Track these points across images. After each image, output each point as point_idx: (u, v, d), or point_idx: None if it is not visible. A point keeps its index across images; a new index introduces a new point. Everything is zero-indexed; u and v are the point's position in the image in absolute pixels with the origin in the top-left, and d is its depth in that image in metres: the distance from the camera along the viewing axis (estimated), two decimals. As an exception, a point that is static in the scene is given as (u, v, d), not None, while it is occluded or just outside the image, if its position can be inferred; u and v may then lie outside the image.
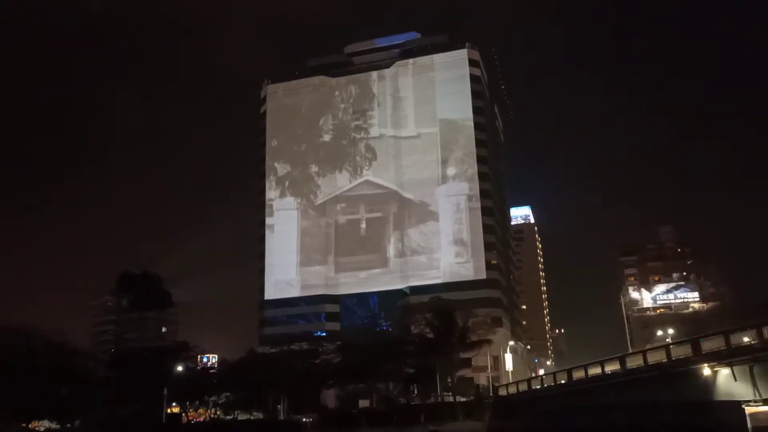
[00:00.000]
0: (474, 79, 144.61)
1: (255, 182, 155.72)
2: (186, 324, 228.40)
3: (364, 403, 75.43)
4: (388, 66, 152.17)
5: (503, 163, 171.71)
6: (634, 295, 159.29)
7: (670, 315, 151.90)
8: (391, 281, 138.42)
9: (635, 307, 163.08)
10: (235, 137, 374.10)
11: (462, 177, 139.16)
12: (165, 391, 62.22)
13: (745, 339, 39.90)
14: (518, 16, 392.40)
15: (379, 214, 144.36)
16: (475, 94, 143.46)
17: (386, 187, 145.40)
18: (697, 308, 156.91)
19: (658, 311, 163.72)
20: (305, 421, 70.26)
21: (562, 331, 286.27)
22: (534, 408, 67.20)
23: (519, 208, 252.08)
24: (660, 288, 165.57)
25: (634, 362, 49.87)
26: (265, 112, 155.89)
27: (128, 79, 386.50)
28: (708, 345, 42.72)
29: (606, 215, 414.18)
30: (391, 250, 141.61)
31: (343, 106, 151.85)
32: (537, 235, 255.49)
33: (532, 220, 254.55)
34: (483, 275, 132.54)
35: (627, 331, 55.16)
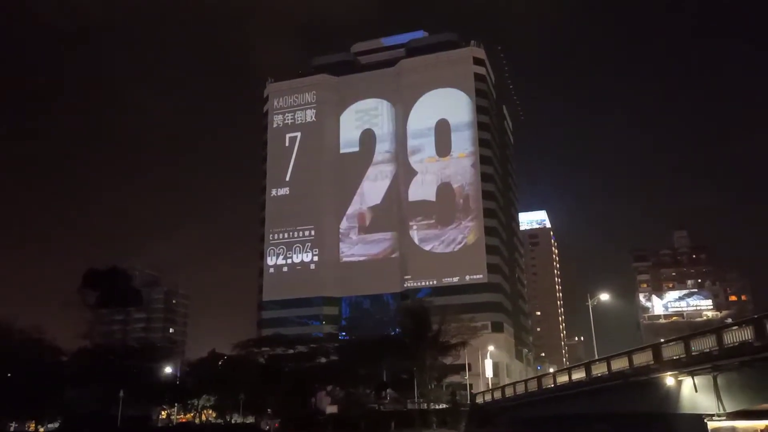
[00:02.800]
0: (478, 77, 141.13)
1: (257, 181, 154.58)
2: (197, 325, 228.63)
3: (332, 409, 72.43)
4: (392, 65, 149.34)
5: (512, 164, 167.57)
6: (644, 302, 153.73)
7: (682, 323, 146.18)
8: (391, 284, 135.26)
9: (646, 314, 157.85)
10: (240, 137, 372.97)
11: (463, 177, 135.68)
12: (121, 392, 59.89)
13: (706, 346, 36.08)
14: (538, 17, 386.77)
15: (379, 215, 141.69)
16: (479, 93, 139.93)
17: (388, 187, 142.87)
18: (711, 316, 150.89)
19: (672, 319, 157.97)
20: (267, 427, 67.47)
21: (582, 338, 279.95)
22: (511, 416, 63.78)
23: (534, 212, 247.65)
24: (672, 295, 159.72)
25: (599, 370, 46.22)
26: (267, 111, 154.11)
27: (130, 73, 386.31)
28: (669, 352, 38.96)
29: (623, 220, 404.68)
30: (391, 251, 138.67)
31: (344, 105, 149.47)
32: (553, 240, 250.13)
33: (548, 225, 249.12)
34: (484, 278, 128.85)
35: (594, 338, 51.48)
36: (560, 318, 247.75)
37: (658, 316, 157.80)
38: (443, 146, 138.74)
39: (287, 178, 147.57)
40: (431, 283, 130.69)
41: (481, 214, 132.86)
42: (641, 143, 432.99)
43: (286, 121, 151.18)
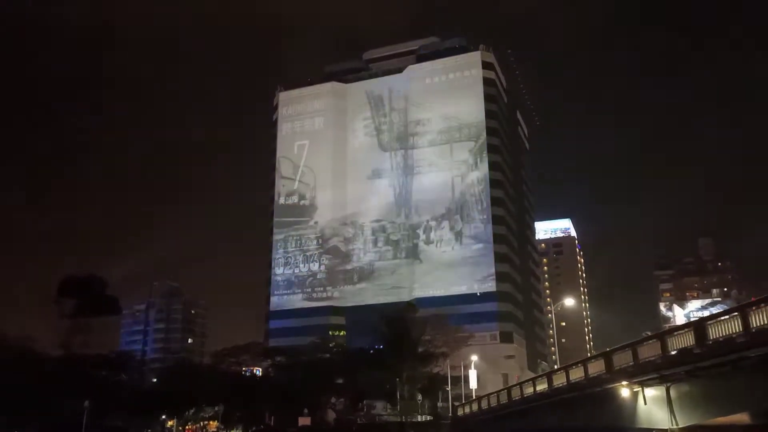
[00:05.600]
0: (487, 81, 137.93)
1: (266, 190, 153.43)
2: (216, 335, 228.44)
3: (304, 421, 70.08)
4: (401, 71, 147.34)
5: (527, 170, 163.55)
6: (665, 311, 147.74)
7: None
8: (399, 293, 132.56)
9: (666, 325, 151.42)
10: (254, 146, 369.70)
11: (472, 183, 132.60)
12: (86, 402, 58.64)
13: (652, 353, 32.85)
14: (562, 24, 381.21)
15: (388, 223, 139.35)
16: (488, 98, 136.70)
17: (396, 194, 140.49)
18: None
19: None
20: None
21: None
22: (489, 429, 60.61)
23: (559, 220, 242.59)
24: (694, 304, 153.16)
25: (559, 380, 43.12)
26: (276, 119, 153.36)
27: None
28: (619, 360, 35.82)
29: (651, 227, 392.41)
30: (399, 260, 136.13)
31: (352, 112, 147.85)
32: (578, 249, 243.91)
33: (573, 233, 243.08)
34: (492, 287, 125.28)
35: (556, 343, 47.76)
36: (587, 329, 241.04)
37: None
38: (451, 152, 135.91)
39: (295, 187, 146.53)
40: (439, 292, 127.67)
41: (490, 221, 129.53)
42: (668, 150, 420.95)
43: (295, 129, 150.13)
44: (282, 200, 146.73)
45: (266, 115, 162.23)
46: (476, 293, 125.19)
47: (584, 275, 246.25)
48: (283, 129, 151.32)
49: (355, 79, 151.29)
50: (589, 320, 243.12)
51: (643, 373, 33.12)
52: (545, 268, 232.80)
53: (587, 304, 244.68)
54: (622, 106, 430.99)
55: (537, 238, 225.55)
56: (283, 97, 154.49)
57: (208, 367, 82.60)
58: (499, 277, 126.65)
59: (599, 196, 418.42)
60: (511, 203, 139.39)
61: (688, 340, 29.46)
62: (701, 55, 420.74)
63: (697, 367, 29.36)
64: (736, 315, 26.69)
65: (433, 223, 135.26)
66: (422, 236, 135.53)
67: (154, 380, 78.20)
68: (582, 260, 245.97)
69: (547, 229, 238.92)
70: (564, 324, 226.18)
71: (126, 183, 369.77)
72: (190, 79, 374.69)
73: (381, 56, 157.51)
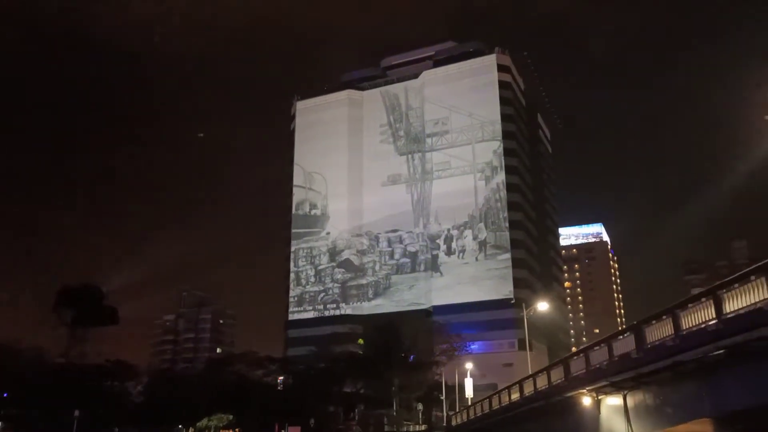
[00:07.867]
0: (503, 85, 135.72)
1: (284, 198, 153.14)
2: (244, 345, 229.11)
3: (294, 430, 69.09)
4: (417, 77, 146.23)
5: (549, 174, 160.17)
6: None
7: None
8: (416, 302, 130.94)
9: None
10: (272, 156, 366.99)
11: (489, 187, 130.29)
12: (76, 413, 58.71)
13: (602, 359, 30.84)
14: (592, 25, 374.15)
15: (404, 231, 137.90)
16: (505, 101, 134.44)
17: (414, 202, 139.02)
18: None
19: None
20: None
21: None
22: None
23: (590, 225, 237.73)
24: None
25: (528, 389, 41.21)
26: (294, 129, 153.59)
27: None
28: (576, 366, 33.87)
29: (682, 229, 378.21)
30: (416, 268, 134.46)
31: (368, 120, 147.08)
32: (611, 254, 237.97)
33: (605, 238, 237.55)
34: (510, 294, 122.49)
35: (527, 347, 45.80)
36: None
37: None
38: (467, 156, 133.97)
39: (311, 196, 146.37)
40: (456, 299, 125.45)
41: (507, 225, 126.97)
42: (701, 149, 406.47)
43: (311, 138, 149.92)
44: (294, 210, 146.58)
45: (288, 124, 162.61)
46: (492, 300, 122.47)
47: (618, 280, 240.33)
48: (300, 138, 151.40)
49: (371, 87, 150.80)
50: (624, 327, 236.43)
51: (594, 380, 31.19)
52: (577, 273, 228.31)
53: (623, 311, 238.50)
54: (652, 108, 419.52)
55: (568, 243, 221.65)
56: (300, 106, 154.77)
57: (199, 377, 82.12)
58: (517, 283, 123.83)
59: (631, 200, 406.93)
60: (530, 207, 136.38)
61: (629, 344, 27.52)
62: (727, 55, 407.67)
63: (639, 374, 27.36)
64: (669, 317, 24.68)
65: (454, 232, 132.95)
66: (443, 246, 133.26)
67: (141, 390, 78.01)
68: (616, 265, 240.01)
69: (578, 235, 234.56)
70: (597, 331, 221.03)
71: (154, 190, 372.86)
72: (212, 88, 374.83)
73: (398, 63, 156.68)
